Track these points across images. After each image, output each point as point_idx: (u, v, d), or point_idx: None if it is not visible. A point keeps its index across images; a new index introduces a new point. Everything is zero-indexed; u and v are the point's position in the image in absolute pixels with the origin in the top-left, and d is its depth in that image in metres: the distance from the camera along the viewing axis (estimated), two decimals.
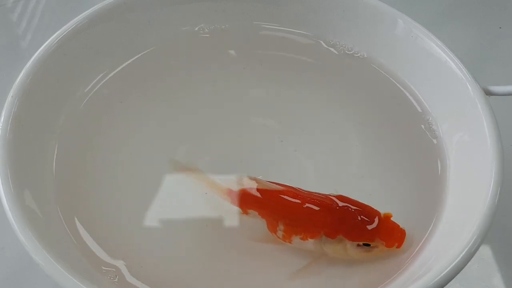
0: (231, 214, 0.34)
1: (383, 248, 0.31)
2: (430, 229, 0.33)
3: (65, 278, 0.27)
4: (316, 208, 0.31)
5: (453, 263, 0.28)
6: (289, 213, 0.32)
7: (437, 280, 0.27)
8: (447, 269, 0.27)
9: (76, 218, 0.33)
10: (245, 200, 0.33)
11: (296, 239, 0.31)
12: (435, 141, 0.37)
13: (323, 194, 0.32)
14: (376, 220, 0.31)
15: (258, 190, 0.33)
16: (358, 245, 0.31)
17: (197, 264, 0.32)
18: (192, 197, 0.35)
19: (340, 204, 0.31)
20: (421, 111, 0.38)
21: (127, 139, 0.37)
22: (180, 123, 0.38)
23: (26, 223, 0.29)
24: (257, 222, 0.33)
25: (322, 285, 0.32)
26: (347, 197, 0.32)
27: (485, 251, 0.38)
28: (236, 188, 0.33)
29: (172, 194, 0.35)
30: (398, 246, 0.31)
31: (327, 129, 0.38)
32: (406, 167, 0.36)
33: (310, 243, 0.31)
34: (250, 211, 0.33)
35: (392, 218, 0.31)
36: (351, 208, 0.31)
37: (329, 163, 0.36)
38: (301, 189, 0.33)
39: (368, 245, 0.31)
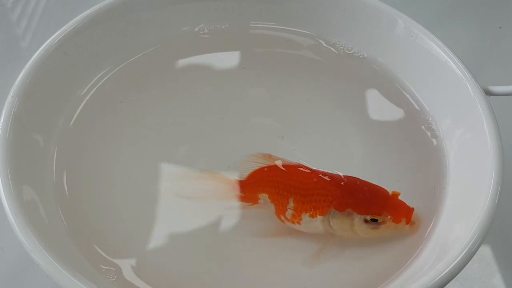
0: (234, 212, 0.34)
1: (390, 225, 0.31)
2: (430, 228, 0.33)
3: (65, 278, 0.27)
4: (327, 181, 0.32)
5: (453, 263, 0.28)
6: (299, 188, 0.32)
7: (437, 280, 0.27)
8: (447, 269, 0.27)
9: (76, 218, 0.33)
10: (255, 185, 0.33)
11: (305, 218, 0.32)
12: (435, 141, 0.37)
13: (330, 173, 0.33)
14: (384, 196, 0.32)
15: (266, 170, 0.33)
16: (366, 220, 0.31)
17: (197, 263, 0.32)
18: (193, 196, 0.35)
19: (349, 180, 0.32)
20: (421, 111, 0.38)
21: (127, 139, 0.37)
22: (180, 123, 0.38)
23: (26, 223, 0.29)
24: (261, 219, 0.33)
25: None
26: (355, 177, 0.33)
27: (485, 251, 0.38)
28: (242, 177, 0.34)
29: (172, 193, 0.35)
30: (407, 222, 0.32)
31: (327, 129, 0.38)
32: (406, 167, 0.36)
33: (318, 221, 0.32)
34: (260, 195, 0.33)
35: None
36: (360, 183, 0.32)
37: (329, 163, 0.36)
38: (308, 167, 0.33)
39: (375, 220, 0.31)
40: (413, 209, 0.32)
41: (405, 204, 0.32)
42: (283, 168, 0.33)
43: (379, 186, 0.33)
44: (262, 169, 0.34)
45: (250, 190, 0.34)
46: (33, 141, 0.34)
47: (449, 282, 0.27)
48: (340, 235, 0.32)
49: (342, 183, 0.32)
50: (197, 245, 0.33)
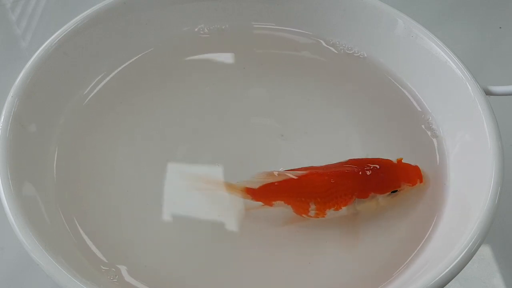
0: (238, 211, 0.34)
1: (408, 188, 0.34)
2: (430, 229, 0.33)
3: (65, 278, 0.27)
4: (343, 177, 0.33)
5: (453, 263, 0.28)
6: (319, 192, 0.33)
7: (437, 280, 0.27)
8: (447, 269, 0.27)
9: (76, 218, 0.33)
10: (269, 194, 0.33)
11: (330, 212, 0.33)
12: (435, 141, 0.37)
13: (337, 164, 0.34)
14: (394, 167, 0.34)
15: (277, 184, 0.33)
16: (388, 194, 0.33)
17: (199, 263, 0.32)
18: (193, 196, 0.35)
19: (360, 167, 0.33)
20: (421, 111, 0.38)
21: (127, 139, 0.37)
22: (181, 123, 0.38)
23: (26, 223, 0.29)
24: (266, 216, 0.34)
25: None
26: (358, 159, 0.34)
27: (485, 251, 0.38)
28: (254, 185, 0.34)
29: (172, 193, 0.35)
30: (421, 181, 0.34)
31: (327, 129, 0.38)
32: None
33: (344, 210, 0.33)
34: (275, 202, 0.33)
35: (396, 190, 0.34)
36: (370, 166, 0.33)
37: (328, 163, 0.36)
38: (316, 167, 0.34)
39: (395, 191, 0.33)
40: (418, 167, 0.34)
41: (411, 165, 0.34)
42: (293, 178, 0.33)
43: (384, 159, 0.34)
44: (272, 183, 0.33)
45: (263, 199, 0.34)
46: (33, 141, 0.34)
47: (449, 282, 0.27)
48: (365, 213, 0.33)
49: (356, 173, 0.33)
50: (198, 245, 0.33)
